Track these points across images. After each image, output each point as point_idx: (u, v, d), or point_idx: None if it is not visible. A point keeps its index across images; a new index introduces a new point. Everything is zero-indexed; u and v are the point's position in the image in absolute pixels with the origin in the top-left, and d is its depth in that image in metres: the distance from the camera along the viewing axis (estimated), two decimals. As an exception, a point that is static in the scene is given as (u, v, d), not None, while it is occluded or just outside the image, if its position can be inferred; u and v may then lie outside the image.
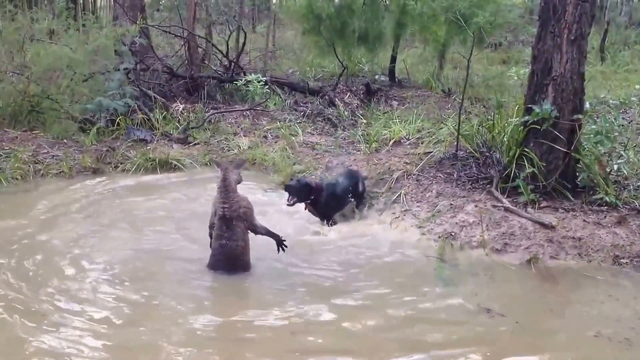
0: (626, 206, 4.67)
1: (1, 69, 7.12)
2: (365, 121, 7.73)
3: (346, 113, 8.18)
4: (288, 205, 4.68)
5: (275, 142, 6.89)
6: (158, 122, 7.17)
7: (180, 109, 7.69)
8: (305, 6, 9.38)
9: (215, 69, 9.34)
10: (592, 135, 4.92)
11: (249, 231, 3.93)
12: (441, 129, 6.42)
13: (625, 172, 5.05)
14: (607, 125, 4.89)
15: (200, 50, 9.41)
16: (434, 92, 9.52)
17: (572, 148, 4.78)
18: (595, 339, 3.23)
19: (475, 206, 4.72)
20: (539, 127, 4.73)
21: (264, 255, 4.10)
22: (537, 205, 4.67)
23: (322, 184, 4.92)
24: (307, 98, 8.80)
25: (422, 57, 12.19)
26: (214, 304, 3.68)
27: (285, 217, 4.86)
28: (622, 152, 5.21)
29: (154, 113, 7.33)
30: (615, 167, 4.99)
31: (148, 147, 6.55)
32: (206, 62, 9.55)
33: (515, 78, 9.14)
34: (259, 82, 8.36)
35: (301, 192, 4.68)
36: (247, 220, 3.90)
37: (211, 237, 3.95)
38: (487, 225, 4.48)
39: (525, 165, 4.79)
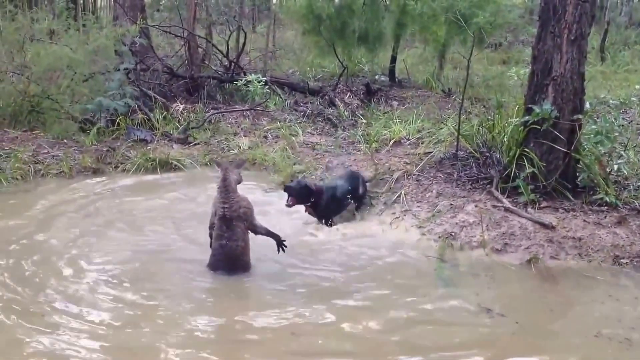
0: (626, 206, 4.67)
1: (1, 69, 7.12)
2: (365, 121, 7.73)
3: (346, 113, 8.18)
4: (287, 206, 4.68)
5: (276, 142, 6.89)
6: (158, 122, 7.17)
7: (181, 109, 7.70)
8: (305, 6, 9.38)
9: (215, 69, 9.34)
10: (592, 136, 4.92)
11: (249, 231, 3.93)
12: (441, 129, 6.42)
13: (625, 172, 5.04)
14: (607, 125, 4.89)
15: (200, 50, 9.42)
16: (434, 92, 9.52)
17: (572, 148, 4.78)
18: (596, 339, 3.23)
19: (476, 206, 4.72)
20: (539, 127, 4.73)
21: (263, 256, 4.09)
22: (537, 205, 4.67)
23: (322, 186, 4.90)
24: (307, 98, 8.80)
25: (422, 57, 12.19)
26: (213, 305, 3.67)
27: (285, 217, 4.85)
28: (622, 152, 5.21)
29: (154, 113, 7.33)
30: (616, 167, 4.99)
31: (148, 147, 6.55)
32: (206, 62, 9.55)
33: (516, 78, 9.15)
34: (259, 82, 8.36)
35: (301, 194, 4.66)
36: (247, 221, 3.89)
37: (211, 238, 3.95)
38: (487, 226, 4.48)
39: (525, 165, 4.79)
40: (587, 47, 4.85)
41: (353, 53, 9.97)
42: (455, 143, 5.71)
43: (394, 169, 5.60)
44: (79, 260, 4.04)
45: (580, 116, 4.76)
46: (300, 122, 7.66)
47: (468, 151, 5.61)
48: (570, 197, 4.76)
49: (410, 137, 6.64)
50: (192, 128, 7.21)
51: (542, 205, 4.68)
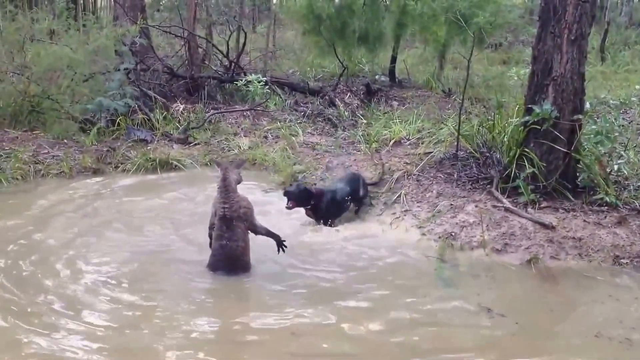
0: (626, 206, 4.67)
1: (2, 69, 7.12)
2: (365, 121, 7.73)
3: (346, 113, 8.18)
4: (287, 208, 4.68)
5: (276, 142, 6.88)
6: (158, 122, 7.18)
7: (181, 109, 7.70)
8: (305, 6, 9.38)
9: (215, 69, 9.34)
10: (592, 136, 4.92)
11: (249, 231, 3.93)
12: (441, 129, 6.42)
13: (625, 172, 5.04)
14: (608, 125, 4.89)
15: (200, 50, 9.42)
16: (434, 92, 9.52)
17: (572, 148, 4.78)
18: (596, 339, 3.23)
19: (476, 206, 4.72)
20: (539, 128, 4.73)
21: (263, 257, 4.08)
22: (537, 205, 4.67)
23: (322, 189, 4.90)
24: (308, 98, 8.80)
25: (423, 57, 12.19)
26: (213, 306, 3.66)
27: (285, 217, 4.85)
28: (622, 153, 5.21)
29: (154, 113, 7.33)
30: (616, 167, 4.99)
31: (148, 147, 6.55)
32: (206, 62, 9.55)
33: (516, 78, 9.14)
34: (259, 82, 8.36)
35: (300, 197, 4.68)
36: (247, 221, 3.89)
37: (211, 238, 3.94)
38: (487, 226, 4.47)
39: (525, 165, 4.79)
40: (587, 47, 4.85)
41: (353, 53, 9.97)
42: (456, 143, 5.71)
43: (394, 169, 5.60)
44: (77, 261, 4.02)
45: (580, 116, 4.76)
46: (300, 122, 7.66)
47: (468, 151, 5.61)
48: (571, 197, 4.76)
49: (410, 137, 6.64)
50: (192, 128, 7.21)
51: (542, 205, 4.67)
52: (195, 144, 6.85)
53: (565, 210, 4.61)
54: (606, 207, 4.62)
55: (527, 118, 4.80)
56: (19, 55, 7.29)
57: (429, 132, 6.55)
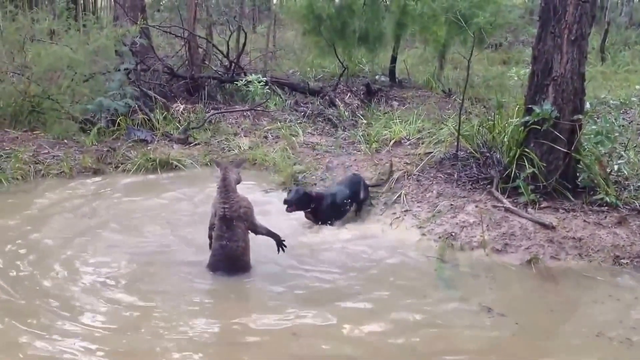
0: (626, 206, 4.67)
1: (2, 69, 7.12)
2: (365, 121, 7.73)
3: (346, 113, 8.17)
4: (287, 211, 4.68)
5: (276, 143, 6.88)
6: (158, 123, 7.17)
7: (181, 109, 7.69)
8: (305, 6, 9.38)
9: (215, 69, 9.34)
10: (592, 136, 4.92)
11: (249, 231, 3.93)
12: (441, 129, 6.42)
13: (625, 172, 5.05)
14: (608, 125, 4.89)
15: (200, 50, 9.41)
16: (435, 92, 9.51)
17: (572, 148, 4.78)
18: (597, 339, 3.23)
19: (476, 206, 4.72)
20: (540, 128, 4.73)
21: (263, 257, 4.08)
22: (537, 205, 4.67)
23: (322, 193, 4.89)
24: (308, 98, 8.79)
25: (423, 57, 12.19)
26: (213, 307, 3.65)
27: (285, 217, 4.82)
28: (622, 153, 5.21)
29: (154, 113, 7.33)
30: (616, 167, 4.99)
31: (148, 148, 6.55)
32: (207, 62, 9.55)
33: (516, 78, 9.14)
34: (259, 82, 8.36)
35: (300, 202, 4.68)
36: (247, 220, 3.88)
37: (211, 239, 3.93)
38: (487, 226, 4.48)
39: (525, 165, 4.79)
40: (587, 47, 4.85)
41: (353, 53, 9.97)
42: (456, 143, 5.71)
43: (394, 169, 5.60)
44: (76, 261, 4.01)
45: (580, 116, 4.77)
46: (300, 123, 7.66)
47: (468, 151, 5.61)
48: (571, 197, 4.76)
49: (410, 138, 6.64)
50: (193, 128, 7.21)
51: (542, 205, 4.68)
52: (196, 144, 6.85)
53: (565, 211, 4.61)
54: (606, 207, 4.62)
55: (527, 118, 4.80)
56: (20, 55, 7.29)
57: (429, 132, 6.55)
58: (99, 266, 3.97)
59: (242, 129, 7.39)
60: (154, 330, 3.23)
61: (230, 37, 9.69)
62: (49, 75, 7.17)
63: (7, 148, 6.15)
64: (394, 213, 4.94)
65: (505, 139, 5.22)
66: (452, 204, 4.83)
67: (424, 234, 4.59)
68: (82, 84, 7.12)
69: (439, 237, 4.49)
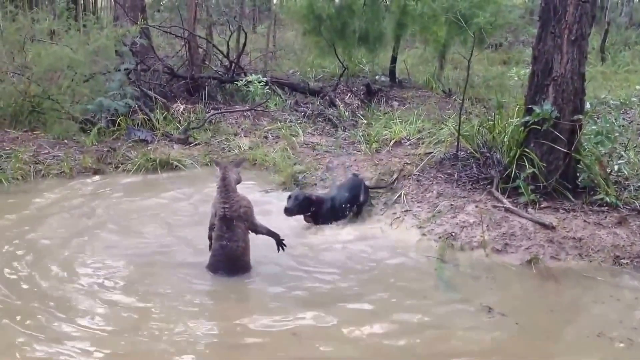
0: (627, 206, 4.67)
1: (2, 70, 7.12)
2: (365, 121, 7.73)
3: (347, 113, 8.17)
4: (287, 215, 4.67)
5: (276, 143, 6.88)
6: (159, 123, 7.18)
7: (181, 109, 7.70)
8: (305, 7, 9.38)
9: (215, 69, 9.34)
10: (592, 136, 4.92)
11: (249, 231, 3.92)
12: (442, 129, 6.42)
13: (625, 172, 5.04)
14: (608, 125, 4.89)
15: (200, 50, 9.41)
16: (435, 92, 9.52)
17: (572, 148, 4.78)
18: (597, 339, 3.23)
19: (476, 206, 4.72)
20: (540, 128, 4.73)
21: (264, 258, 4.08)
22: (537, 205, 4.67)
23: (322, 197, 4.88)
24: (308, 98, 8.80)
25: (423, 57, 12.18)
26: (213, 307, 3.65)
27: (285, 217, 4.81)
28: (622, 153, 5.20)
29: (154, 113, 7.33)
30: (616, 167, 4.99)
31: (149, 148, 6.56)
32: (207, 62, 9.55)
33: (516, 78, 9.14)
34: (259, 82, 8.36)
35: (300, 206, 4.68)
36: (247, 220, 3.88)
37: (211, 240, 3.93)
38: (487, 226, 4.47)
39: (525, 165, 4.79)
40: (587, 47, 4.85)
41: (353, 53, 9.97)
42: (456, 143, 5.71)
43: (395, 169, 5.60)
44: (74, 262, 4.00)
45: (580, 116, 4.76)
46: (300, 123, 7.66)
47: (468, 151, 5.61)
48: (571, 197, 4.76)
49: (410, 138, 6.64)
50: (193, 128, 7.21)
51: (542, 205, 4.67)
52: (196, 144, 6.85)
53: (565, 211, 4.61)
54: (606, 208, 4.62)
55: (527, 118, 4.80)
56: (20, 55, 7.29)
57: (429, 133, 6.55)
58: (97, 267, 3.96)
59: (242, 129, 7.39)
60: (152, 331, 3.21)
61: (230, 37, 9.69)
62: (49, 76, 7.18)
63: (7, 148, 6.16)
64: (394, 213, 4.94)
65: (506, 139, 5.22)
66: (452, 204, 4.82)
67: (424, 234, 4.59)
68: (82, 84, 7.12)
69: (439, 237, 4.49)
